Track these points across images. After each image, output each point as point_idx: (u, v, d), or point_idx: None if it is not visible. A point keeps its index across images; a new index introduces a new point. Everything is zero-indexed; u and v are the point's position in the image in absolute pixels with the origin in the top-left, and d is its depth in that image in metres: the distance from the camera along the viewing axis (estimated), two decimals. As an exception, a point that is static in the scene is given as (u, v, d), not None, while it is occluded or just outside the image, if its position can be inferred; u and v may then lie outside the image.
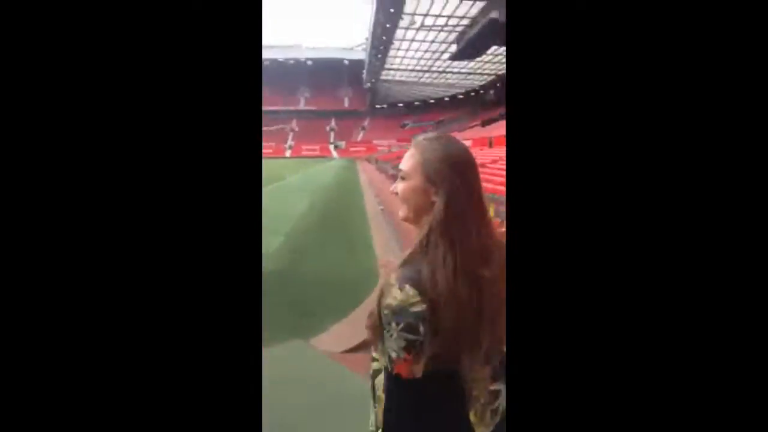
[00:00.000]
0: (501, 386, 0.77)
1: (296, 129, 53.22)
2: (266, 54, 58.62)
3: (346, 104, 56.95)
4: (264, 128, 50.64)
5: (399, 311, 0.69)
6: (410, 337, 0.69)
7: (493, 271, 0.71)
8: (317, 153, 47.63)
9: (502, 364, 0.73)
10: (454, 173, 0.73)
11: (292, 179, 17.61)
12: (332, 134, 51.90)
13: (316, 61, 57.40)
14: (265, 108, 54.99)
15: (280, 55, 57.47)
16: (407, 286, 0.69)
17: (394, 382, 0.73)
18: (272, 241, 7.16)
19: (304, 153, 47.85)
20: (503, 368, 0.73)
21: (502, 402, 0.77)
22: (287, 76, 57.09)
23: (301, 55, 57.95)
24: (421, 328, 0.68)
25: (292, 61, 57.94)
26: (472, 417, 0.75)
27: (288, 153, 47.50)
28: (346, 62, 56.89)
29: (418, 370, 0.70)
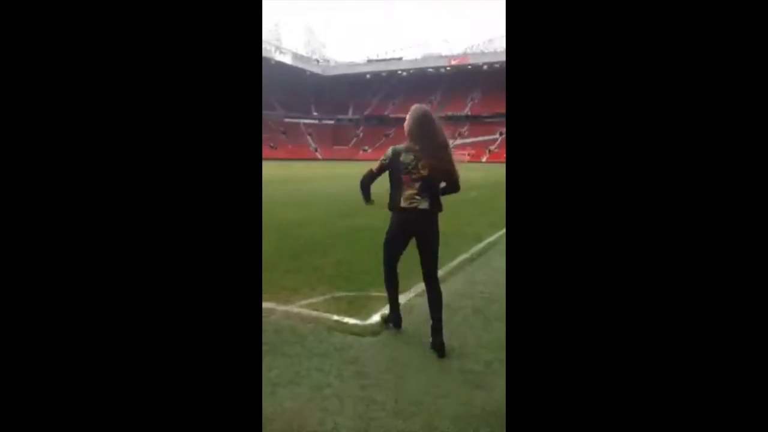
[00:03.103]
0: (419, 198, 2.39)
1: (504, 133, 52.55)
2: (486, 59, 57.67)
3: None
4: (472, 138, 49.76)
5: (385, 155, 2.47)
6: (382, 160, 2.47)
7: (436, 155, 2.37)
8: (518, 161, 45.39)
9: (432, 195, 2.41)
10: (412, 121, 2.41)
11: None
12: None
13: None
14: (476, 113, 55.40)
15: (502, 58, 56.03)
16: (390, 148, 2.46)
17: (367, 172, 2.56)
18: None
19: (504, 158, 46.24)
20: (431, 197, 2.40)
21: (417, 204, 2.39)
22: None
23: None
24: (386, 161, 2.45)
25: (513, 64, 54.63)
26: (402, 199, 2.39)
27: (484, 158, 47.83)
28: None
29: (379, 171, 2.49)
